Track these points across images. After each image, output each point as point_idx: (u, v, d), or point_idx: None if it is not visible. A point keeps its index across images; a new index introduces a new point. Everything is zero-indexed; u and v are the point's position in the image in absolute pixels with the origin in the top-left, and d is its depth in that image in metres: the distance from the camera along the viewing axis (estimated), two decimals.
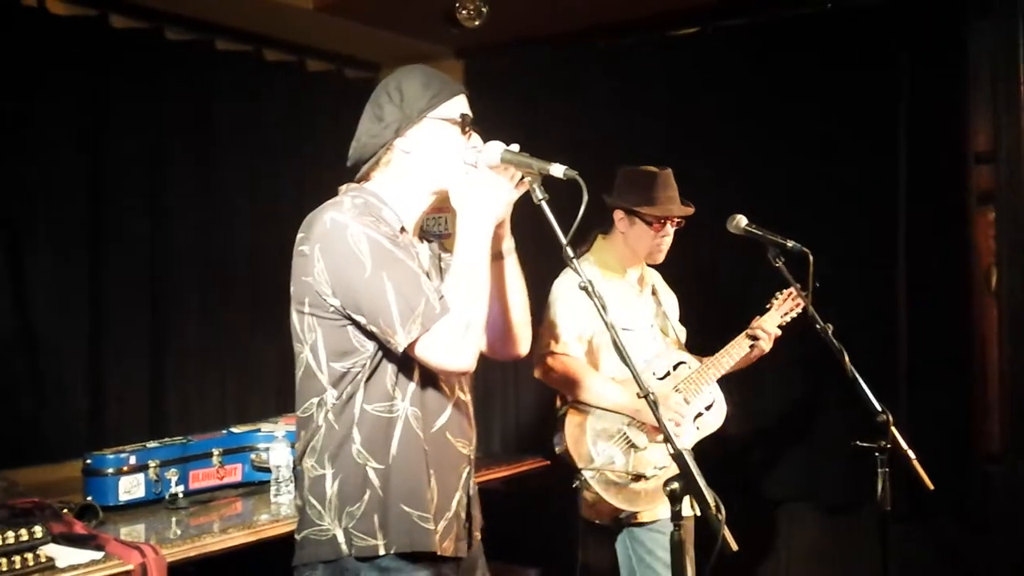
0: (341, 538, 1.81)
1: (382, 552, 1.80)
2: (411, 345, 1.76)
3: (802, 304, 2.89)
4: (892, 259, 3.62)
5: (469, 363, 1.80)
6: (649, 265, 3.09)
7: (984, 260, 3.64)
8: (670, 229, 2.97)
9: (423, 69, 1.95)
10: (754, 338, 2.98)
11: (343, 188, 1.95)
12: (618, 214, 2.98)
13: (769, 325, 2.98)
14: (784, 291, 3.01)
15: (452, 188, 1.86)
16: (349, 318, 1.80)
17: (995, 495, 3.48)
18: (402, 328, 1.74)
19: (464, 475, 1.94)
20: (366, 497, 1.81)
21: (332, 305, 1.80)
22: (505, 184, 1.84)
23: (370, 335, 1.80)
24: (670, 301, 3.16)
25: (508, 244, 1.96)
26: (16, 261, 3.33)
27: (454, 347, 1.76)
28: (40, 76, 3.38)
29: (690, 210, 2.97)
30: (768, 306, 3.04)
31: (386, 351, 1.80)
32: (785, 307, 3.01)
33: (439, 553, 1.85)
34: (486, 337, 2.01)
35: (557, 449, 2.85)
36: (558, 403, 2.95)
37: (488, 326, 1.98)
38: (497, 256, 1.94)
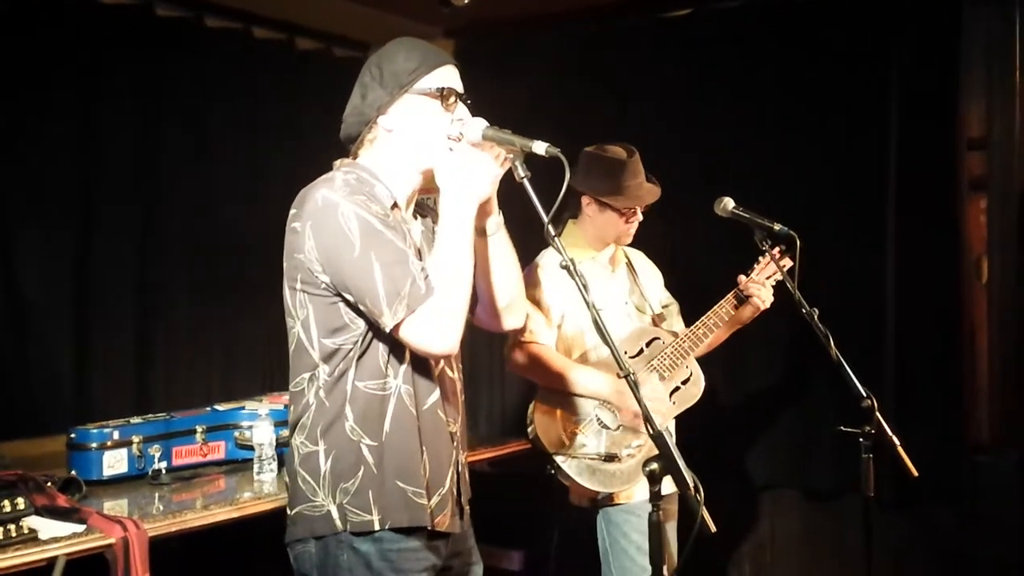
0: (336, 514, 1.82)
1: (377, 528, 1.81)
2: (397, 326, 1.76)
3: (782, 269, 2.87)
4: (881, 245, 3.60)
5: (452, 345, 1.80)
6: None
7: (975, 248, 3.63)
8: (640, 214, 2.92)
9: (408, 43, 1.92)
10: (743, 297, 2.90)
11: (337, 163, 1.94)
12: (586, 199, 2.88)
13: (758, 280, 2.91)
14: (765, 256, 2.98)
15: (436, 166, 1.84)
16: (340, 295, 1.80)
17: (983, 484, 3.48)
18: (388, 309, 1.74)
19: (453, 451, 1.95)
20: (360, 473, 1.82)
21: (323, 282, 1.80)
22: (489, 162, 1.81)
23: (361, 313, 1.80)
24: (651, 275, 3.12)
25: (496, 220, 1.94)
26: (4, 238, 3.30)
27: (438, 329, 1.76)
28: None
29: (658, 191, 2.91)
30: (751, 271, 2.98)
31: (377, 329, 1.80)
32: (768, 270, 2.95)
33: (433, 528, 1.86)
34: (475, 311, 2.01)
35: (530, 435, 2.85)
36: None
37: (477, 300, 1.99)
38: (482, 233, 1.92)
